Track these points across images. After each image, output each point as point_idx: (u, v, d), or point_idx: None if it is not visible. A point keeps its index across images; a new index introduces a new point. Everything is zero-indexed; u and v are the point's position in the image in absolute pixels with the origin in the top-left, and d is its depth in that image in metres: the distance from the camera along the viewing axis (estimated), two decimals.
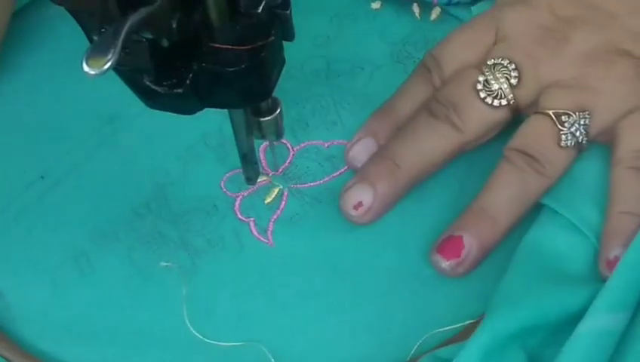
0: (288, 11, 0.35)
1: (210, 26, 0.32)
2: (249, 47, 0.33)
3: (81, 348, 0.40)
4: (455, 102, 0.40)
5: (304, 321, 0.40)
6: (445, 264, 0.39)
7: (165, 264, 0.42)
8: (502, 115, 0.40)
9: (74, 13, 0.31)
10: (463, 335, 0.38)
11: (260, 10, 0.33)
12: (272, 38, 0.33)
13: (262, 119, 0.38)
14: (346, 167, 0.44)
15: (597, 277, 0.38)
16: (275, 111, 0.38)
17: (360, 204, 0.40)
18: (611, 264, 0.37)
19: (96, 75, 0.27)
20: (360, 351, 0.39)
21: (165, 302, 0.41)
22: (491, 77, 0.40)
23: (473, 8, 0.48)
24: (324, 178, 0.44)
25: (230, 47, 0.33)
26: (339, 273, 0.41)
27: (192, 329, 0.40)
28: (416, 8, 0.50)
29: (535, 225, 0.40)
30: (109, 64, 0.27)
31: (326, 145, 0.45)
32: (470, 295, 0.40)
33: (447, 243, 0.39)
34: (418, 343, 0.39)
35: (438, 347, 0.38)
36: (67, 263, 0.43)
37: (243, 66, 0.33)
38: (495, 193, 0.40)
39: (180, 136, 0.46)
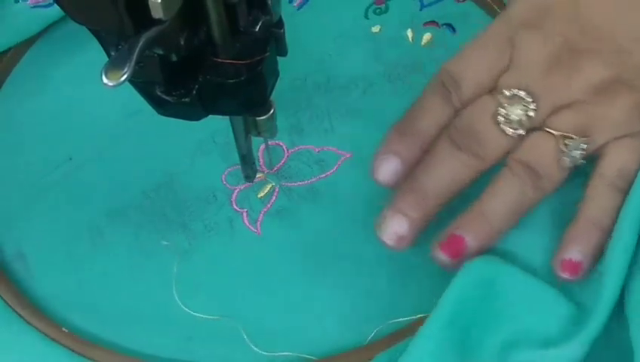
0: (282, 30, 0.36)
1: (214, 43, 0.33)
2: (247, 61, 0.34)
3: (84, 312, 0.42)
4: (476, 133, 0.40)
5: (278, 303, 0.41)
6: (448, 261, 0.40)
7: (166, 243, 0.44)
8: (518, 140, 0.40)
9: (94, 32, 0.32)
10: (414, 326, 0.38)
11: (257, 29, 0.34)
12: (268, 53, 0.34)
13: (258, 118, 0.38)
14: (333, 170, 0.45)
15: None
16: (270, 111, 0.38)
17: (396, 234, 0.40)
18: (566, 265, 0.38)
19: (113, 86, 0.28)
20: (324, 334, 0.40)
21: (160, 276, 0.42)
22: (510, 109, 0.39)
23: None
24: (311, 179, 0.45)
25: (231, 61, 0.34)
26: (313, 263, 0.42)
27: (178, 300, 0.41)
28: (409, 33, 0.50)
29: None
30: (125, 76, 0.28)
31: (317, 150, 0.46)
32: (425, 291, 0.40)
33: (451, 242, 0.39)
34: (375, 330, 0.40)
35: (390, 335, 0.39)
36: (82, 234, 0.44)
37: (242, 78, 0.34)
38: (495, 199, 0.39)
39: (191, 133, 0.47)
